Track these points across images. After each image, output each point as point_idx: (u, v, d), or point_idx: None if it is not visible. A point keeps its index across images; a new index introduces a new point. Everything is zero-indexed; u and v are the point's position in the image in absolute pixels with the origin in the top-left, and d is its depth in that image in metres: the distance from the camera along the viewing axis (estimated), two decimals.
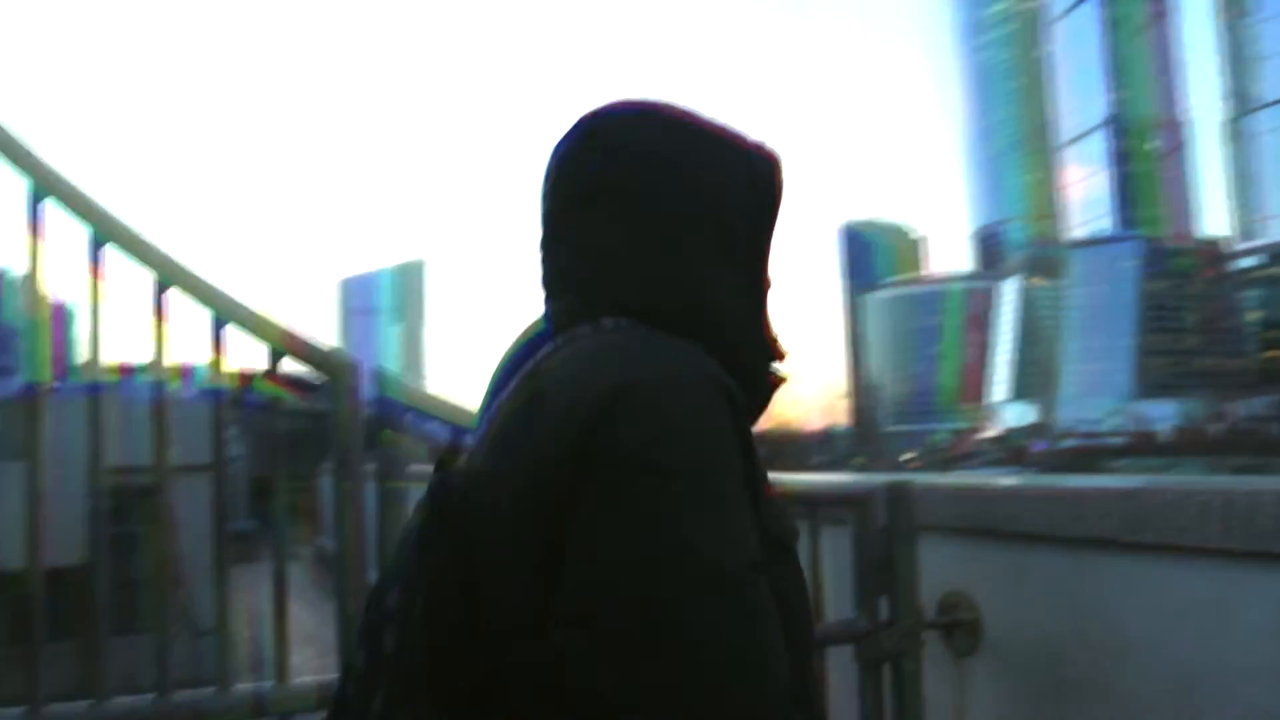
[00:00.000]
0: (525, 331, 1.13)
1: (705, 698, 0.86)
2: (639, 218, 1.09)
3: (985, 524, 2.15)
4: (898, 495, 2.13)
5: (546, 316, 1.11)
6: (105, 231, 1.89)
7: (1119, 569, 1.89)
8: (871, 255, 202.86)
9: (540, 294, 1.16)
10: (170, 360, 2.01)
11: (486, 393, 1.13)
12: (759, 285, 1.14)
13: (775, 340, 1.14)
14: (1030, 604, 2.08)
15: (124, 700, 1.77)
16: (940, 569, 2.18)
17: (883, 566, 2.12)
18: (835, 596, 2.15)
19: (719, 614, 0.88)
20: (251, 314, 2.03)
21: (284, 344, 2.07)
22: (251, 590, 2.67)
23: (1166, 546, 1.78)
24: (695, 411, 0.95)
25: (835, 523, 2.16)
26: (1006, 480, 2.33)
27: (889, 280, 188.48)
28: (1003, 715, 2.15)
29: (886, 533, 2.13)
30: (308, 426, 2.60)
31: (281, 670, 1.86)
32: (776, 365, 1.14)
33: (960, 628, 2.19)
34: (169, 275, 1.93)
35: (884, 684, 2.12)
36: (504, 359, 1.13)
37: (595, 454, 0.91)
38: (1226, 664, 1.70)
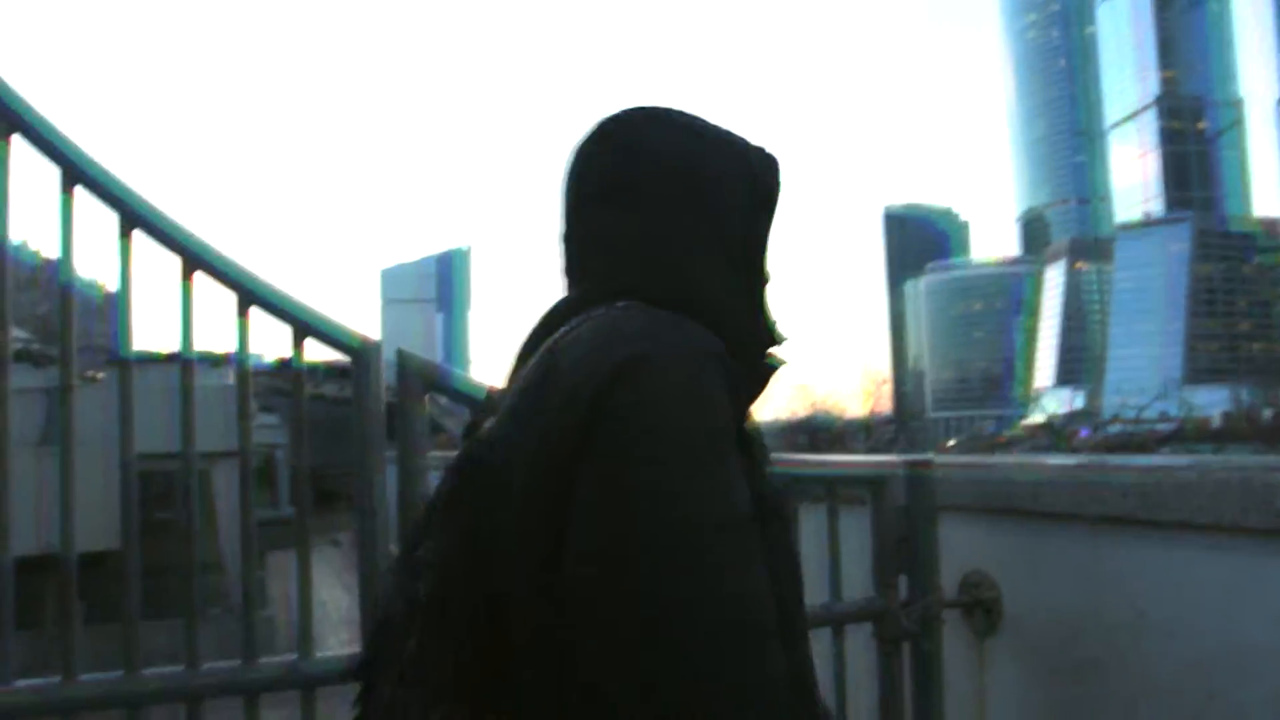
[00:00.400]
0: (544, 313, 1.23)
1: (696, 628, 0.93)
2: (646, 212, 1.21)
3: (1005, 504, 2.15)
4: (917, 475, 2.13)
5: (564, 300, 1.21)
6: (130, 215, 1.93)
7: (1138, 548, 1.89)
8: (914, 240, 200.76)
9: (560, 280, 1.28)
10: (202, 345, 2.05)
11: (511, 369, 1.22)
12: (758, 278, 1.25)
13: (772, 328, 1.25)
14: (1050, 583, 2.07)
15: (157, 671, 1.83)
16: (960, 549, 2.18)
17: (902, 545, 2.12)
18: (855, 577, 2.16)
19: (711, 554, 0.96)
20: (275, 295, 2.06)
21: (307, 326, 2.10)
22: (294, 576, 2.71)
23: (1185, 525, 1.77)
24: (695, 380, 1.03)
25: (855, 503, 2.16)
26: (1025, 460, 2.33)
27: (932, 265, 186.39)
28: (1022, 694, 2.15)
29: (906, 512, 2.13)
30: (349, 414, 2.64)
31: (305, 643, 1.91)
32: (774, 352, 1.24)
33: (980, 607, 2.19)
34: (193, 258, 1.98)
35: (903, 663, 2.12)
36: (526, 338, 1.23)
37: (602, 417, 0.99)
38: (1245, 644, 1.69)
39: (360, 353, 2.10)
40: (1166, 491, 1.81)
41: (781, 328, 1.26)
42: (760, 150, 1.30)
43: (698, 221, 1.21)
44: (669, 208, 1.21)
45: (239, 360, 2.01)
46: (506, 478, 1.04)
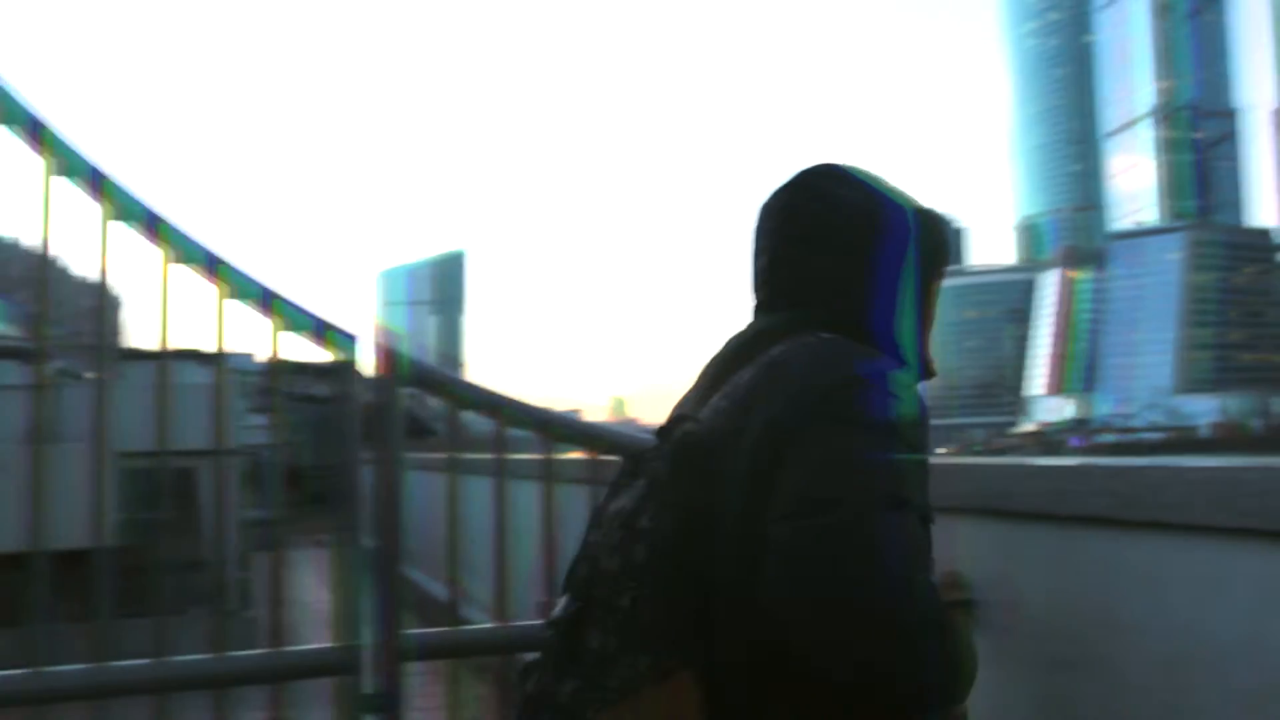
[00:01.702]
0: (736, 335, 1.49)
1: (878, 576, 1.14)
2: (843, 258, 1.45)
3: (979, 503, 2.16)
4: None
5: (771, 323, 1.45)
6: (116, 208, 1.93)
7: (1111, 547, 1.89)
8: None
9: (754, 304, 1.52)
10: (184, 341, 2.05)
11: (706, 377, 1.47)
12: (926, 319, 1.51)
13: (930, 361, 1.51)
14: (1024, 583, 2.08)
15: (124, 663, 1.83)
16: (935, 550, 2.18)
17: None
18: None
19: (894, 523, 1.19)
20: (254, 289, 2.06)
21: (294, 322, 2.11)
22: (282, 575, 2.71)
23: (1156, 524, 1.78)
24: (898, 396, 1.28)
25: None
26: (999, 461, 2.34)
27: None
28: (998, 694, 2.15)
29: None
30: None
31: (276, 638, 1.91)
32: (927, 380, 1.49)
33: (955, 608, 2.19)
34: (178, 250, 1.98)
35: None
36: (724, 353, 1.47)
37: (825, 414, 1.24)
38: (1214, 642, 1.70)
39: (341, 349, 2.10)
40: (1139, 491, 1.82)
41: (935, 364, 1.52)
42: (930, 210, 1.54)
43: (882, 267, 1.45)
44: (863, 254, 1.44)
45: (218, 352, 2.02)
46: (721, 463, 1.26)
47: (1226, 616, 1.68)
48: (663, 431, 1.43)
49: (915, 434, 1.28)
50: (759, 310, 1.51)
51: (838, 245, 1.45)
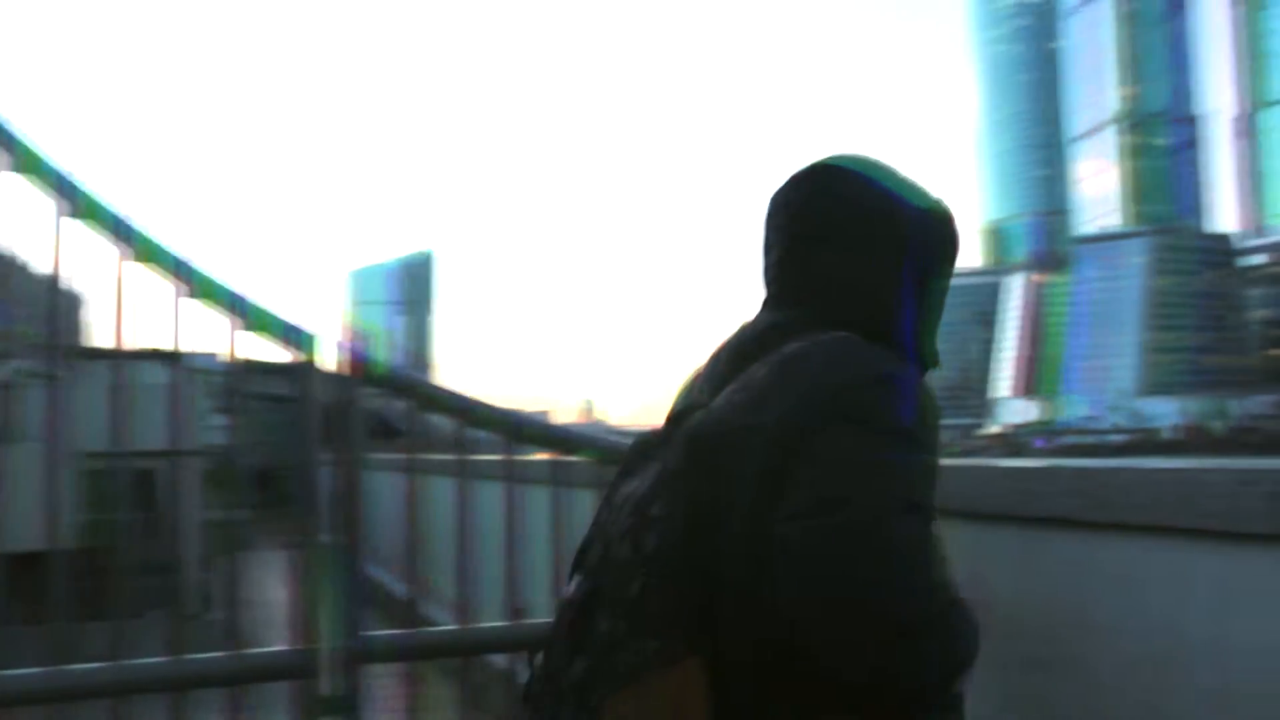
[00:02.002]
0: (748, 326, 1.47)
1: (890, 577, 1.15)
2: (855, 254, 1.44)
3: (945, 505, 2.16)
4: None
5: (783, 319, 1.43)
6: (71, 205, 1.89)
7: (1079, 548, 1.90)
8: None
9: (761, 299, 1.51)
10: (140, 341, 2.01)
11: (718, 366, 1.45)
12: (934, 314, 1.51)
13: (935, 354, 1.51)
14: (993, 584, 2.08)
15: (81, 666, 1.79)
16: None
17: None
18: None
19: (906, 526, 1.19)
20: (218, 289, 2.03)
21: (251, 321, 2.07)
22: (249, 577, 2.68)
23: (1122, 526, 1.79)
24: (913, 398, 1.28)
25: None
26: (963, 462, 2.35)
27: None
28: (971, 693, 2.15)
29: None
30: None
31: (236, 641, 1.88)
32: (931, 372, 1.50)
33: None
34: (136, 250, 1.94)
35: None
36: (736, 344, 1.45)
37: (839, 414, 1.24)
38: (1181, 642, 1.72)
39: (308, 348, 2.07)
40: (1106, 493, 1.83)
41: (939, 358, 1.52)
42: (939, 203, 1.52)
43: (895, 264, 1.44)
44: (873, 251, 1.44)
45: (174, 351, 1.98)
46: (731, 458, 1.26)
47: (1192, 616, 1.69)
48: (675, 418, 1.44)
49: (929, 435, 1.28)
50: (769, 304, 1.50)
51: (848, 242, 1.44)
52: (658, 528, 1.29)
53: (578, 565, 1.47)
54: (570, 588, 1.43)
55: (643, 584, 1.27)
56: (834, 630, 1.15)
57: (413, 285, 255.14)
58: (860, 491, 1.18)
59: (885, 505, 1.18)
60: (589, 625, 1.32)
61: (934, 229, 1.50)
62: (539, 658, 1.44)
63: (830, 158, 1.52)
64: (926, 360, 1.48)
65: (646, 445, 1.47)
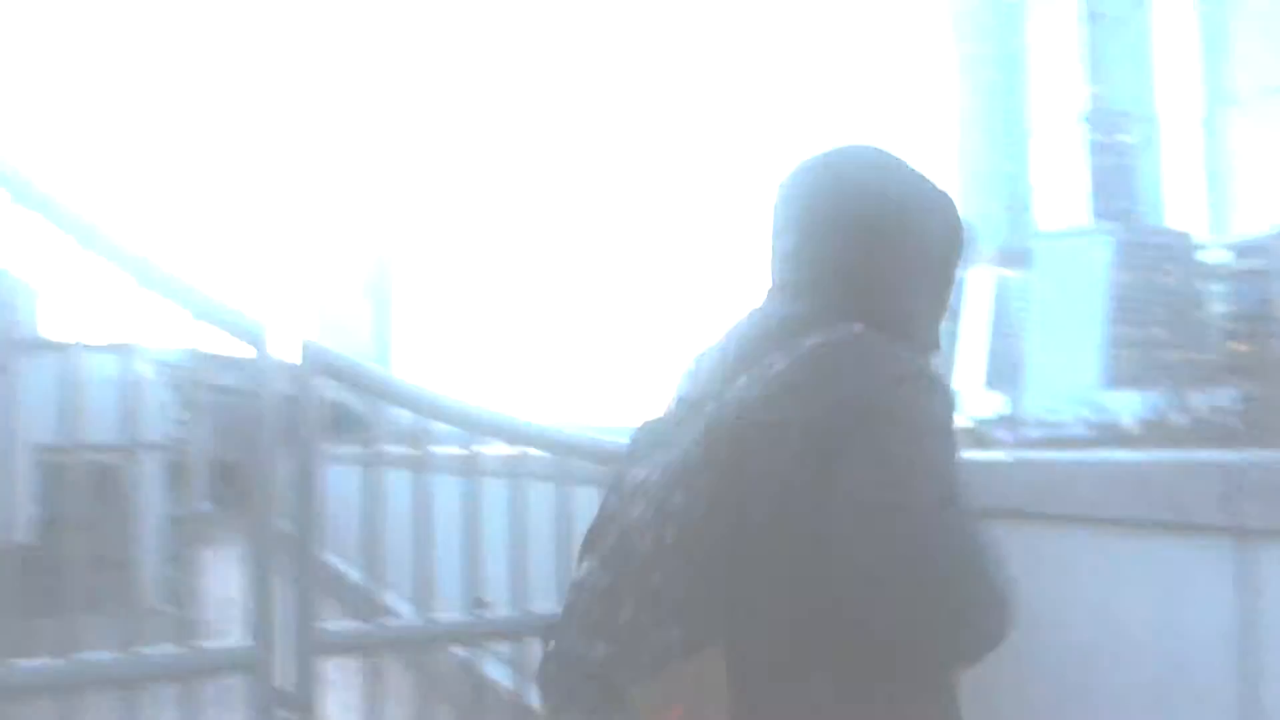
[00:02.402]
0: (759, 314, 1.46)
1: (949, 564, 1.23)
2: (873, 246, 1.43)
3: None
4: None
5: (798, 310, 1.42)
6: (15, 193, 1.87)
7: (1026, 541, 1.93)
8: None
9: (769, 288, 1.50)
10: (92, 334, 1.99)
11: (727, 354, 1.43)
12: (943, 307, 1.54)
13: (938, 340, 1.53)
14: None
15: (30, 661, 1.78)
16: None
17: None
18: None
19: (953, 514, 1.25)
20: (169, 280, 2.01)
21: (203, 311, 2.06)
22: (210, 572, 2.66)
23: (1069, 518, 1.82)
24: (940, 396, 1.33)
25: None
26: None
27: None
28: None
29: None
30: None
31: (188, 634, 1.87)
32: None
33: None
34: (82, 240, 1.92)
35: None
36: (748, 333, 1.44)
37: (879, 412, 1.26)
38: (1125, 632, 1.74)
39: (258, 339, 2.06)
40: (1053, 485, 1.86)
41: (940, 342, 1.54)
42: (948, 196, 1.52)
43: (911, 256, 1.45)
44: (890, 243, 1.44)
45: (125, 343, 1.96)
46: (757, 455, 1.27)
47: (1136, 607, 1.72)
48: (687, 405, 1.45)
49: (954, 429, 1.34)
50: (779, 293, 1.49)
51: (863, 233, 1.44)
52: (677, 521, 1.30)
53: (588, 550, 1.48)
54: (582, 572, 1.45)
55: (665, 575, 1.29)
56: (908, 612, 1.22)
57: (377, 278, 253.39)
58: (908, 490, 1.23)
59: (934, 497, 1.24)
60: (609, 612, 1.34)
61: (945, 219, 1.51)
62: (550, 640, 1.46)
63: (842, 146, 1.51)
64: (930, 347, 1.50)
65: (654, 431, 1.48)
